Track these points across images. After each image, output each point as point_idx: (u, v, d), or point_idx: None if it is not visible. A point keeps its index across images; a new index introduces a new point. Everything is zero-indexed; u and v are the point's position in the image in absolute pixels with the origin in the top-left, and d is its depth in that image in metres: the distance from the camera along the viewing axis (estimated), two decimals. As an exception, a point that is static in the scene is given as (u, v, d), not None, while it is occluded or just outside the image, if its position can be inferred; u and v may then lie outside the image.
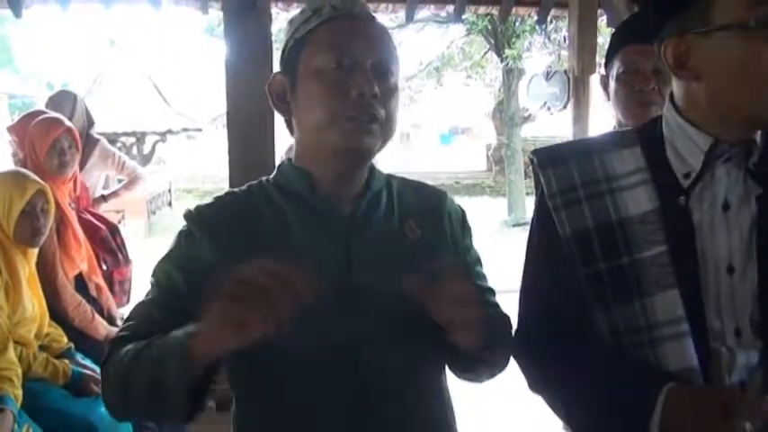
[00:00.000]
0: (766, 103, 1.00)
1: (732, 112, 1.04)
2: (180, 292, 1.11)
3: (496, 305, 1.29)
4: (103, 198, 4.01)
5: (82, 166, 3.78)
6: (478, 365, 1.20)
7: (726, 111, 1.04)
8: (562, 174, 1.15)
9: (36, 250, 2.63)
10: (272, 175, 1.23)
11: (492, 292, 1.30)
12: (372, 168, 1.22)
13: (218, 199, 1.21)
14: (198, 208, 1.18)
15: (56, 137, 2.99)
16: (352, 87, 1.09)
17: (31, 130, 3.01)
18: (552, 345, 1.15)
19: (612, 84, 1.94)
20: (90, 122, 3.88)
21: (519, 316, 1.23)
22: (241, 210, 1.17)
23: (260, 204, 1.18)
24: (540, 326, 1.19)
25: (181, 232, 1.17)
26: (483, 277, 1.30)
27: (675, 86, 1.11)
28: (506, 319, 1.26)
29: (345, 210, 1.17)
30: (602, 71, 2.04)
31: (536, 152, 1.20)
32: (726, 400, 0.94)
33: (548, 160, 1.18)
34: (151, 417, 1.07)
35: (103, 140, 4.00)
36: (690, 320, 1.05)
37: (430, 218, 1.23)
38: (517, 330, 1.23)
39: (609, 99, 2.00)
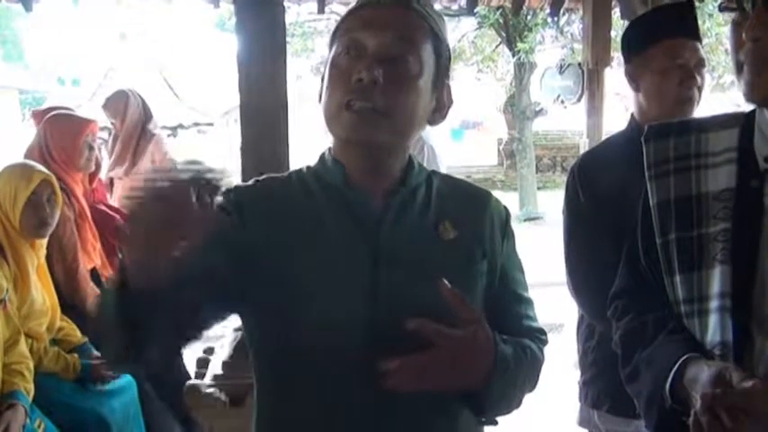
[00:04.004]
0: None
1: None
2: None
3: (530, 322, 1.22)
4: None
5: (137, 159, 3.78)
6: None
7: None
8: (660, 147, 1.21)
9: (44, 242, 2.61)
10: (313, 163, 1.21)
11: (529, 302, 1.25)
12: (411, 163, 1.19)
13: (257, 182, 1.20)
14: (237, 187, 1.17)
15: (83, 140, 2.98)
16: (353, 74, 1.06)
17: (55, 132, 2.99)
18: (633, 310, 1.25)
19: (651, 76, 1.85)
20: (147, 117, 3.86)
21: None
22: (277, 195, 1.16)
23: (296, 192, 1.16)
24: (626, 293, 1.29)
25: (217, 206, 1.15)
26: (522, 285, 1.24)
27: None
28: (526, 356, 1.16)
29: (378, 204, 1.13)
30: (621, 61, 1.94)
31: (649, 126, 1.25)
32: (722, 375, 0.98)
33: (653, 134, 1.23)
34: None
35: (159, 135, 3.96)
36: (734, 299, 1.06)
37: (468, 219, 1.18)
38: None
39: (638, 90, 1.90)
